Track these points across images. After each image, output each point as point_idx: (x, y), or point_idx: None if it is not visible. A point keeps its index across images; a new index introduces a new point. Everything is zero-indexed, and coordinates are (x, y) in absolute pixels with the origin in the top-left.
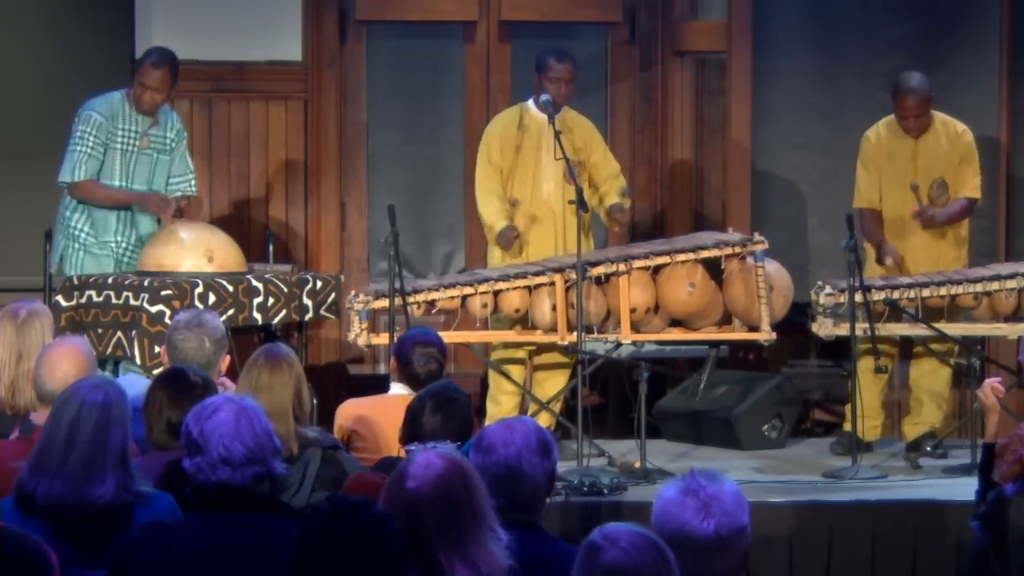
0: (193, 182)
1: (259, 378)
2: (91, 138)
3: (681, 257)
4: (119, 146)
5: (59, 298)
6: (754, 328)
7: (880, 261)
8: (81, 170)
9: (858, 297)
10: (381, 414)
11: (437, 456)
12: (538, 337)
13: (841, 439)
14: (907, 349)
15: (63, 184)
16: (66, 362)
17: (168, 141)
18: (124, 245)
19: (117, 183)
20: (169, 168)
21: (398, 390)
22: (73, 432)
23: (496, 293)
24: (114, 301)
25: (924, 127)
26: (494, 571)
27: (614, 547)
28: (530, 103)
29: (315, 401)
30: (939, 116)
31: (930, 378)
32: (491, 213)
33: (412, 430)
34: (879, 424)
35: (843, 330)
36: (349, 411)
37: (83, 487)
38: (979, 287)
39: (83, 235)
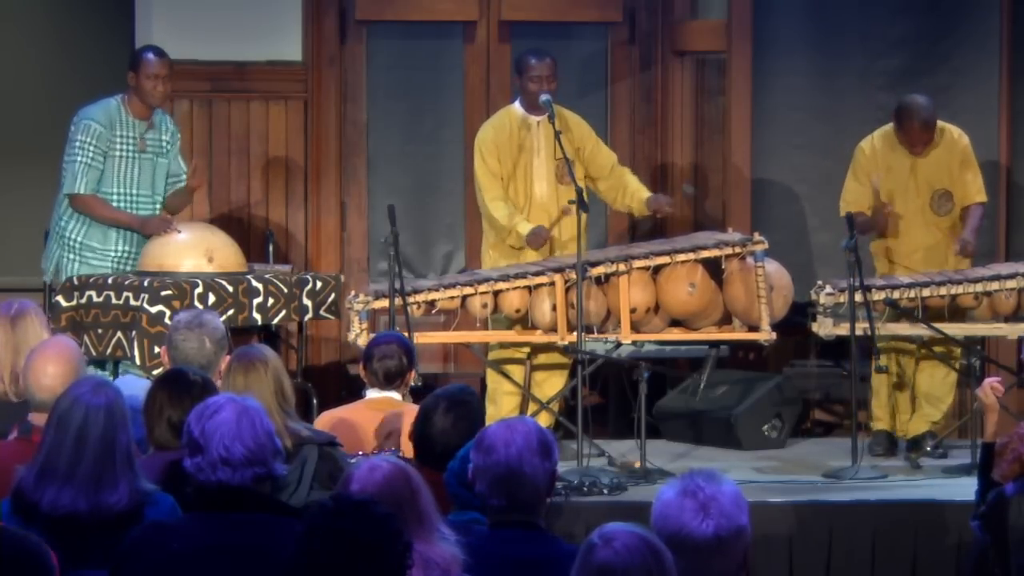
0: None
1: (235, 383)
2: (91, 148)
3: (681, 257)
4: (119, 153)
5: (59, 298)
6: (754, 328)
7: (881, 230)
8: (83, 182)
9: (858, 297)
10: (358, 418)
11: (382, 460)
12: (538, 337)
13: (878, 438)
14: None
15: (68, 195)
16: (51, 367)
17: (164, 144)
18: (124, 254)
19: (120, 189)
20: (167, 170)
21: (373, 394)
22: (82, 438)
23: (496, 293)
24: (114, 301)
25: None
26: (448, 561)
27: (607, 546)
28: (516, 105)
29: (315, 401)
30: (937, 124)
31: (930, 378)
32: (506, 216)
33: (423, 427)
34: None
35: (843, 330)
36: (326, 419)
37: (97, 494)
38: (979, 287)
39: (79, 245)
